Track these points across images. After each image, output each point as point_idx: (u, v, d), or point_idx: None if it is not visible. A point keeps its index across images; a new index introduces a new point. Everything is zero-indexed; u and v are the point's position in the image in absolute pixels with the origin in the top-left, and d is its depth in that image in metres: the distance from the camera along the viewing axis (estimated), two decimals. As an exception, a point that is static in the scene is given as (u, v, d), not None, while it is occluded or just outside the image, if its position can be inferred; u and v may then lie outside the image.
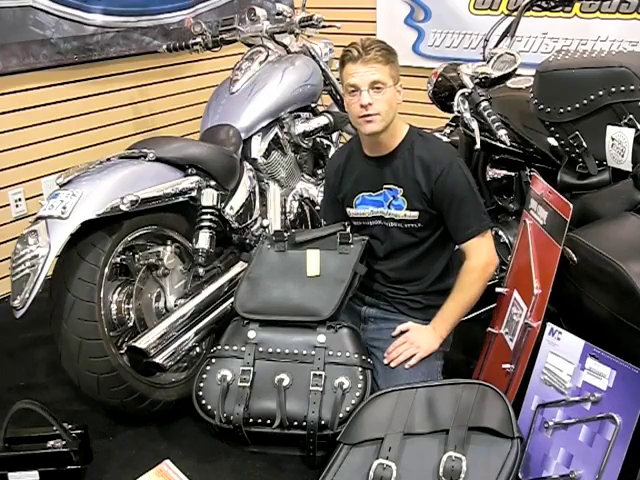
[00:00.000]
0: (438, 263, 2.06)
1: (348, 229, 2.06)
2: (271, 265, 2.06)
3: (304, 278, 2.00)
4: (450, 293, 2.00)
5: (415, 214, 1.98)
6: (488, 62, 2.24)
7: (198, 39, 2.80)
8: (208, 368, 1.94)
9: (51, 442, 1.80)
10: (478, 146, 2.20)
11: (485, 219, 1.98)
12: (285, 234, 2.10)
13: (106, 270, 1.96)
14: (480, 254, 1.97)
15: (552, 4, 2.43)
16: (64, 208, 1.85)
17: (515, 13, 2.41)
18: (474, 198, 1.97)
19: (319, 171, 2.98)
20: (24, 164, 2.92)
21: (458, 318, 2.00)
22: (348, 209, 2.10)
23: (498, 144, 2.26)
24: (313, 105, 2.88)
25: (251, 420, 1.84)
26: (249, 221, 2.53)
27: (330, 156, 2.51)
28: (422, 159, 1.95)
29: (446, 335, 1.99)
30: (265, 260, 2.07)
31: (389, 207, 2.01)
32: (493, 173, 2.50)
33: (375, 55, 1.85)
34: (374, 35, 3.81)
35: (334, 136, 3.00)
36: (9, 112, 2.82)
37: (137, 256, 2.14)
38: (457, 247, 2.13)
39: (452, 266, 2.09)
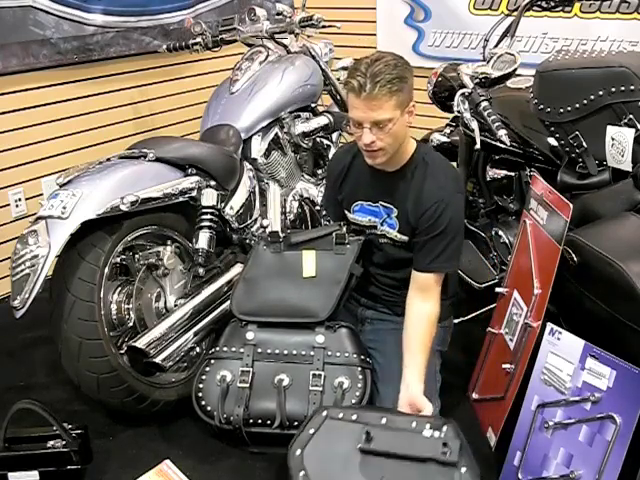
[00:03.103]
0: None
1: (344, 229, 2.04)
2: (267, 266, 2.05)
3: (300, 279, 2.00)
4: (414, 345, 1.82)
5: (405, 238, 1.94)
6: (488, 62, 2.24)
7: (198, 39, 2.80)
8: (207, 369, 1.94)
9: (51, 442, 1.80)
10: (478, 146, 2.20)
11: (447, 263, 1.86)
12: (281, 235, 2.09)
13: (106, 270, 1.96)
14: (434, 293, 1.87)
15: (552, 4, 2.43)
16: (64, 208, 1.85)
17: (515, 13, 2.41)
18: (449, 239, 1.85)
19: (319, 171, 2.98)
20: (24, 164, 2.92)
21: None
22: (346, 212, 2.09)
23: (498, 144, 2.26)
24: (313, 105, 2.88)
25: (251, 420, 1.84)
26: (249, 221, 2.53)
27: (335, 152, 2.50)
28: (417, 190, 1.88)
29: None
30: (261, 261, 2.07)
31: (382, 224, 1.98)
32: (493, 173, 2.51)
33: (379, 91, 1.70)
34: (374, 35, 3.82)
35: (334, 136, 3.00)
36: (9, 112, 2.82)
37: (137, 256, 2.14)
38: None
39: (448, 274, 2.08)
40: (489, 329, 2.09)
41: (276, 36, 2.77)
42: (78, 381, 1.97)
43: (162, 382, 2.10)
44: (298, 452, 1.60)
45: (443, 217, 1.84)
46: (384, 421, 1.62)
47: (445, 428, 1.57)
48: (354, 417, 1.65)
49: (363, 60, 1.77)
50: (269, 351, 1.93)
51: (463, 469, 1.51)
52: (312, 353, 1.90)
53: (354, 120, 1.79)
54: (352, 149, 2.07)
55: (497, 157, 2.46)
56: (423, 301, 1.88)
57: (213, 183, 2.28)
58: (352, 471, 1.56)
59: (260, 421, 1.84)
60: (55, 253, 1.84)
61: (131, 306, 2.09)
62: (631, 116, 1.86)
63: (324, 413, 1.66)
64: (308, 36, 2.85)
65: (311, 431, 1.63)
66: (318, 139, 2.89)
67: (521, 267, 1.97)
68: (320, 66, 2.86)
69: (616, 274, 1.58)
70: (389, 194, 1.95)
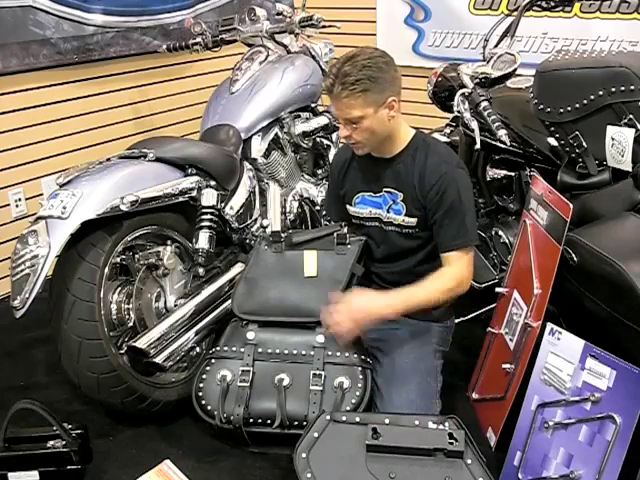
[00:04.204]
0: (436, 269, 1.97)
1: (345, 229, 2.05)
2: (268, 266, 2.06)
3: (301, 279, 2.00)
4: (421, 283, 1.87)
5: (413, 221, 1.96)
6: (488, 62, 2.24)
7: (198, 39, 2.80)
8: (208, 369, 1.94)
9: (51, 442, 1.80)
10: (478, 146, 2.20)
11: (469, 236, 1.90)
12: (282, 235, 2.09)
13: (106, 270, 1.96)
14: (461, 266, 1.89)
15: (552, 4, 2.42)
16: (64, 208, 1.85)
17: (515, 13, 2.41)
18: (463, 211, 1.89)
19: (319, 171, 2.99)
20: (24, 164, 2.92)
21: (414, 306, 1.87)
22: (348, 206, 2.10)
23: (498, 144, 2.26)
24: (313, 105, 2.88)
25: (251, 420, 1.85)
26: (249, 221, 2.53)
27: (337, 150, 2.51)
28: (421, 167, 1.92)
29: (390, 312, 1.84)
30: (262, 261, 2.07)
31: (388, 211, 1.99)
32: (493, 173, 2.50)
33: (342, 93, 1.78)
34: (374, 35, 3.82)
35: (334, 136, 3.00)
36: (9, 112, 2.82)
37: (137, 256, 2.14)
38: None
39: None
40: (489, 329, 2.09)
41: (276, 36, 2.77)
42: (78, 381, 1.97)
43: (162, 382, 2.10)
44: (304, 455, 1.61)
45: (450, 190, 1.88)
46: (387, 421, 1.64)
47: (448, 422, 1.63)
48: (357, 419, 1.66)
49: (340, 59, 1.84)
50: (269, 351, 1.93)
51: (469, 460, 1.57)
52: (312, 353, 1.90)
53: (334, 115, 1.87)
54: None
55: (497, 157, 2.46)
56: (446, 268, 1.90)
57: (213, 183, 2.28)
58: (359, 469, 1.58)
59: (260, 421, 1.84)
60: (55, 253, 1.84)
61: (131, 306, 2.09)
62: (631, 116, 1.85)
63: (327, 417, 1.67)
64: (308, 36, 2.86)
65: (315, 434, 1.64)
66: (318, 139, 2.89)
67: (521, 267, 1.97)
68: (320, 66, 2.86)
69: (616, 274, 1.58)
70: (392, 179, 1.97)
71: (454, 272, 1.90)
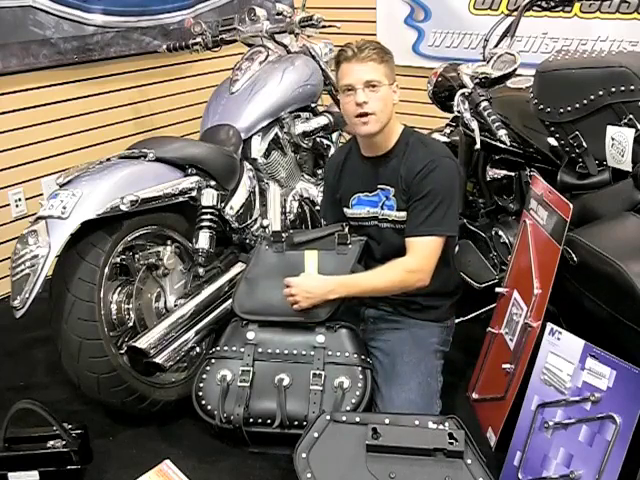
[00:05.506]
0: (437, 266, 1.97)
1: (346, 230, 2.05)
2: (269, 266, 2.06)
3: None
4: (375, 271, 1.95)
5: (404, 215, 1.96)
6: (488, 62, 2.24)
7: (198, 39, 2.80)
8: (208, 368, 1.94)
9: (51, 442, 1.80)
10: (478, 146, 2.20)
11: (439, 225, 1.89)
12: (283, 235, 2.10)
13: (106, 270, 1.96)
14: (420, 255, 1.90)
15: (552, 4, 2.43)
16: (64, 208, 1.85)
17: (515, 13, 2.41)
18: (440, 200, 1.88)
19: (319, 171, 2.99)
20: (24, 164, 2.92)
21: (357, 293, 1.96)
22: (345, 209, 2.10)
23: (498, 144, 2.26)
24: (313, 105, 2.88)
25: (251, 420, 1.85)
26: (249, 221, 2.53)
27: (329, 155, 2.52)
28: (411, 159, 1.94)
29: (333, 297, 1.92)
30: (263, 261, 2.08)
31: (382, 207, 2.01)
32: (493, 173, 2.51)
33: (369, 53, 1.86)
34: (374, 35, 3.82)
35: (334, 136, 3.00)
36: (9, 112, 2.83)
37: (137, 256, 2.14)
38: (456, 249, 2.12)
39: (453, 268, 2.09)
40: (489, 329, 2.09)
41: (276, 36, 2.77)
42: (78, 381, 1.96)
43: (162, 382, 2.10)
44: (304, 455, 1.61)
45: (432, 176, 1.89)
46: (387, 421, 1.64)
47: (448, 422, 1.63)
48: (357, 419, 1.66)
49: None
50: (269, 351, 1.93)
51: (469, 460, 1.57)
52: (312, 353, 1.90)
53: (346, 85, 1.89)
54: (344, 149, 2.14)
55: (497, 157, 2.46)
56: (403, 257, 1.91)
57: (213, 183, 2.28)
58: (359, 469, 1.58)
59: (260, 420, 1.84)
60: (55, 253, 1.84)
61: (131, 306, 2.09)
62: (631, 116, 1.85)
63: (327, 417, 1.67)
64: (308, 36, 2.85)
65: (315, 434, 1.64)
66: (318, 139, 2.89)
67: (521, 267, 1.97)
68: (320, 66, 2.86)
69: (616, 274, 1.58)
70: (385, 176, 1.99)
71: (411, 263, 1.90)
